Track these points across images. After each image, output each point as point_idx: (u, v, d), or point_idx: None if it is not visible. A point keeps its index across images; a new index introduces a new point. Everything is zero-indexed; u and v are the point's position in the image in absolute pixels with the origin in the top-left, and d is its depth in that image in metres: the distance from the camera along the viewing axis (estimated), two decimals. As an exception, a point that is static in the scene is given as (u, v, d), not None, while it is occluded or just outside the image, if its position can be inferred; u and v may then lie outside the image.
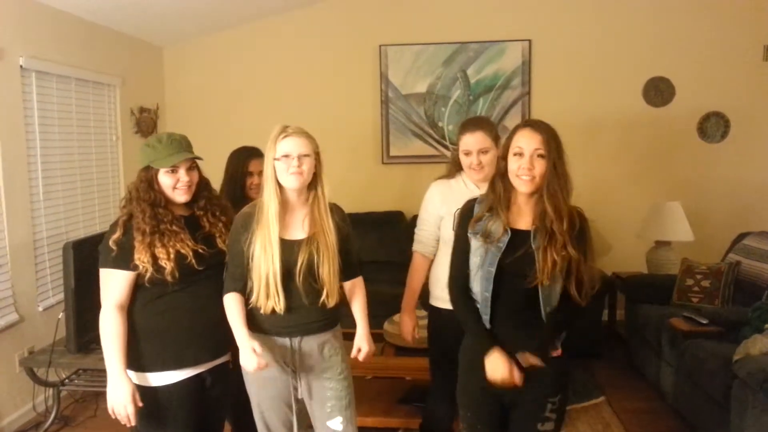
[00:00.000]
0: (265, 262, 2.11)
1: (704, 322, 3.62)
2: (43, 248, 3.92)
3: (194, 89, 5.60)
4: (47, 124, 4.00)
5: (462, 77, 5.37)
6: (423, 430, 3.03)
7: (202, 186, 2.29)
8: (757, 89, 5.14)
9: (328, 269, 2.17)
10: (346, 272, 2.32)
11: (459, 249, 2.17)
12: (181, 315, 2.17)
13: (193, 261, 2.14)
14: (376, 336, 3.65)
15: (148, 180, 2.16)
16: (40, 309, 3.87)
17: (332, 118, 5.42)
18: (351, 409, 2.35)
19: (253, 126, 5.59)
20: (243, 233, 2.15)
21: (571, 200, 2.04)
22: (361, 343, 2.37)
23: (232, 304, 2.18)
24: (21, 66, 3.72)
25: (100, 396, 3.97)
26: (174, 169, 2.16)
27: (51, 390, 3.68)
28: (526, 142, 1.99)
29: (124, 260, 2.11)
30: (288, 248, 2.15)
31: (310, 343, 2.25)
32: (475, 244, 2.10)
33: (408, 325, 2.89)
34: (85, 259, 3.34)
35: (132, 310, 2.16)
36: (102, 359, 3.19)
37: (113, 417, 2.11)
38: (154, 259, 2.09)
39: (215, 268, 2.23)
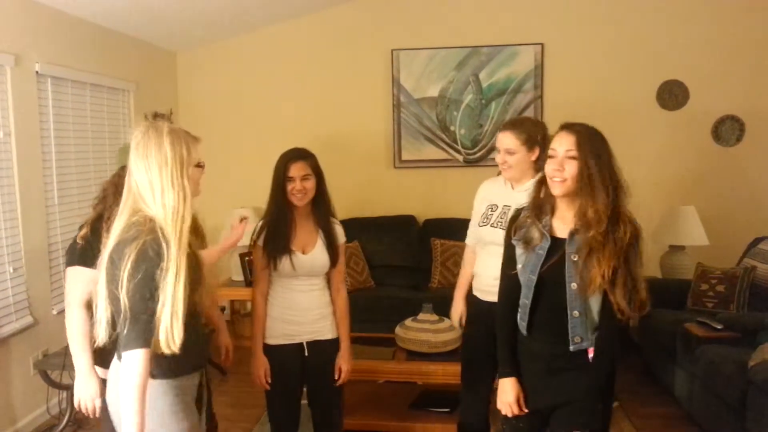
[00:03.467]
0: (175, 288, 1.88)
1: (719, 327, 3.58)
2: (57, 252, 3.95)
3: (207, 94, 5.63)
4: (62, 129, 4.04)
5: (474, 81, 5.36)
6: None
7: None
8: (772, 92, 5.10)
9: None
10: None
11: (507, 257, 2.15)
12: None
13: None
14: (388, 340, 3.67)
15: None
16: (54, 312, 3.89)
17: (344, 122, 5.44)
18: None
19: (266, 130, 5.65)
20: (158, 265, 1.80)
21: (625, 203, 1.98)
22: None
23: (146, 367, 1.76)
24: (37, 72, 3.76)
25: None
26: None
27: (65, 393, 3.71)
28: (559, 143, 1.97)
29: (90, 258, 2.12)
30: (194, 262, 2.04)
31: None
32: (518, 251, 2.08)
33: (455, 311, 2.96)
34: (98, 263, 3.38)
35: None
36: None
37: (79, 410, 2.26)
38: None
39: None
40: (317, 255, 2.54)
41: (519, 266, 2.07)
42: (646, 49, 5.20)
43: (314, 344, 2.59)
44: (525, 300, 2.05)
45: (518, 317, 2.09)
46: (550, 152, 1.99)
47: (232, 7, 4.82)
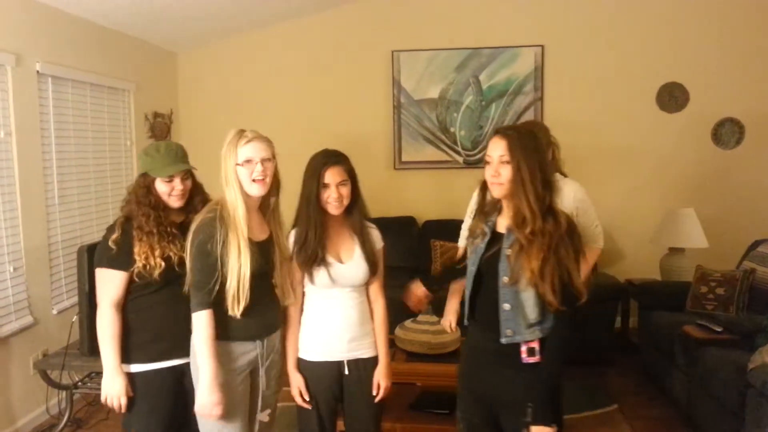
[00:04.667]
0: (239, 263, 2.14)
1: (718, 329, 3.59)
2: (57, 252, 3.96)
3: (208, 94, 5.64)
4: (63, 128, 4.04)
5: (474, 83, 5.37)
6: None
7: (196, 191, 2.43)
8: (772, 95, 5.11)
9: (287, 268, 2.34)
10: None
11: None
12: (155, 314, 2.31)
13: (176, 265, 2.27)
14: (388, 341, 3.67)
15: (146, 186, 2.31)
16: (55, 312, 3.90)
17: (344, 123, 5.45)
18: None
19: (266, 131, 5.61)
20: (209, 240, 2.13)
21: (555, 199, 2.05)
22: None
23: (206, 324, 2.14)
24: (37, 71, 3.76)
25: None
26: (170, 178, 2.31)
27: (64, 392, 3.71)
28: (493, 149, 2.07)
29: (120, 260, 2.25)
30: (262, 248, 2.23)
31: (272, 342, 2.37)
32: (468, 248, 2.24)
33: (447, 317, 3.00)
34: (99, 263, 3.38)
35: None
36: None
37: (106, 405, 2.31)
38: (149, 256, 2.24)
39: None
40: (356, 264, 2.37)
41: (468, 260, 2.22)
42: (646, 52, 5.21)
43: (354, 363, 2.41)
44: (467, 291, 2.19)
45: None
46: (486, 158, 2.10)
47: (233, 7, 4.83)
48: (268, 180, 2.20)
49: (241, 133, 2.20)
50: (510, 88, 5.34)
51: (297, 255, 2.35)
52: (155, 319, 2.31)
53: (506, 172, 2.02)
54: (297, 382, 2.40)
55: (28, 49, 3.69)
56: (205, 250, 2.13)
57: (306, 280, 2.38)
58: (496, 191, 2.07)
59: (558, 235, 1.98)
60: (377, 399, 2.45)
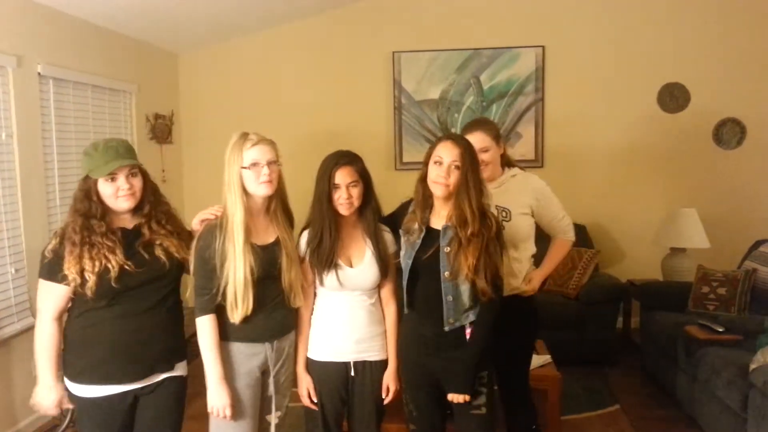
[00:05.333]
0: (234, 270, 2.14)
1: (720, 330, 3.59)
2: (59, 253, 3.95)
3: (209, 96, 5.64)
4: (64, 130, 4.04)
5: (475, 83, 5.37)
6: None
7: (148, 192, 2.22)
8: (773, 95, 5.10)
9: (296, 270, 2.30)
10: None
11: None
12: (103, 331, 2.12)
13: (113, 279, 2.05)
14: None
15: (85, 190, 2.11)
16: (56, 313, 3.89)
17: (345, 124, 5.44)
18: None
19: (267, 132, 5.61)
20: (208, 248, 2.16)
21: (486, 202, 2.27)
22: None
23: (208, 329, 2.19)
24: (39, 73, 3.77)
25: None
26: (113, 177, 2.09)
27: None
28: (446, 153, 2.23)
29: (56, 272, 2.07)
30: (268, 251, 2.23)
31: (283, 344, 2.35)
32: (402, 240, 2.36)
33: None
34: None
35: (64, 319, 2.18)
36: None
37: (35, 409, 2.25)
38: (81, 271, 2.03)
39: (148, 285, 2.14)
40: (366, 268, 2.34)
41: (402, 253, 2.35)
42: (647, 52, 5.21)
43: (362, 365, 2.39)
44: (403, 282, 2.33)
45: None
46: (436, 159, 2.24)
47: (234, 9, 4.83)
48: (275, 181, 2.20)
49: (245, 136, 2.19)
50: (511, 88, 5.34)
51: (310, 256, 2.34)
52: (101, 339, 2.11)
53: (454, 177, 2.21)
54: (306, 383, 2.42)
55: (29, 51, 3.69)
56: (204, 257, 2.16)
57: (316, 281, 2.38)
58: (440, 191, 2.24)
59: (489, 235, 2.20)
60: (385, 401, 2.46)
